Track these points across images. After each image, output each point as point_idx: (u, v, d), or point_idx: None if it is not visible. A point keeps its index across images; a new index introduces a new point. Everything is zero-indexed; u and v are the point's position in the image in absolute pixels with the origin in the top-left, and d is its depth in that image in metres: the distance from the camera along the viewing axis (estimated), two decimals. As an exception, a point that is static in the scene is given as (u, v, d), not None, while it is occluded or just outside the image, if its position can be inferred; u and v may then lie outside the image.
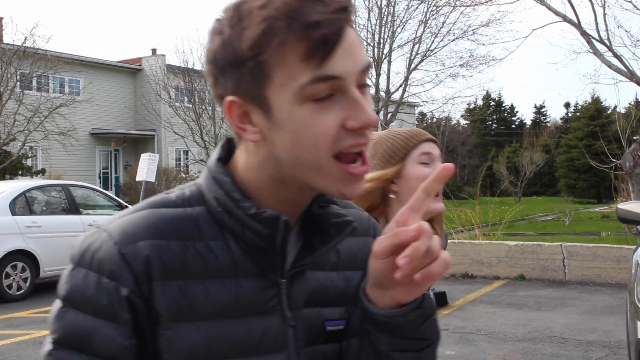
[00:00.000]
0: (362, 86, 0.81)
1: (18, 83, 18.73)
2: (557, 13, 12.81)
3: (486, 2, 17.36)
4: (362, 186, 0.84)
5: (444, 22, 22.29)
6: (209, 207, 0.88)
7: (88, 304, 0.83)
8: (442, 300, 2.12)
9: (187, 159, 25.41)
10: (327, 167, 0.81)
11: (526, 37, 14.56)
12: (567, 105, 59.29)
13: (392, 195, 1.66)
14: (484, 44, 31.05)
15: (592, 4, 12.56)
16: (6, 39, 19.54)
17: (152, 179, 16.02)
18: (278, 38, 0.76)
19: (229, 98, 0.83)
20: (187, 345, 0.83)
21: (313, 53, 0.76)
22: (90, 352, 0.83)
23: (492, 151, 50.00)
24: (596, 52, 12.43)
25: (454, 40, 22.64)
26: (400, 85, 22.85)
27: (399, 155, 1.69)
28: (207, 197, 0.88)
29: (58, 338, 0.85)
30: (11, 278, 8.62)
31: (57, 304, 0.87)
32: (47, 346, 0.86)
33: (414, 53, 22.57)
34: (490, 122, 61.33)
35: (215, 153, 0.92)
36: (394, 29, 22.37)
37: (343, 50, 0.77)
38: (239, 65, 0.80)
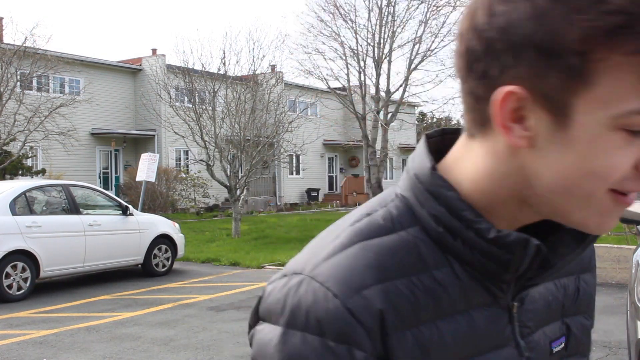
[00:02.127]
0: None
1: (18, 83, 18.72)
2: (557, 13, 12.82)
3: (486, 2, 17.35)
4: (615, 222, 0.69)
5: (444, 22, 22.26)
6: (425, 227, 0.71)
7: None
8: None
9: (187, 159, 25.37)
10: (599, 199, 0.65)
11: (526, 37, 14.54)
12: (567, 105, 59.28)
13: None
14: (484, 44, 31.04)
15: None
16: (6, 39, 19.53)
17: (152, 179, 16.04)
18: (631, 44, 0.57)
19: (511, 87, 0.63)
20: None
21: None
22: None
23: (492, 151, 49.92)
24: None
25: (454, 40, 22.60)
26: (401, 85, 22.85)
27: None
28: (419, 214, 0.71)
29: None
30: (11, 278, 8.63)
31: None
32: None
33: (414, 53, 22.56)
34: (491, 122, 61.34)
35: (423, 156, 0.73)
36: (394, 29, 22.35)
37: None
38: (555, 55, 0.60)
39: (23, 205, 9.04)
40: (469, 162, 0.70)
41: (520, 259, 0.68)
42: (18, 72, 18.44)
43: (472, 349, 0.71)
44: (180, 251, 11.39)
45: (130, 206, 10.77)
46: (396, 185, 0.75)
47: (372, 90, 23.19)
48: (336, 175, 35.14)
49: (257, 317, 0.71)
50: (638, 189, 0.65)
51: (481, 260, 0.69)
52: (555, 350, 0.79)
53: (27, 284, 8.82)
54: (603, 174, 0.63)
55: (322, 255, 0.69)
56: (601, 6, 0.57)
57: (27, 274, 8.81)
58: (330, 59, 23.33)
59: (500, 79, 0.63)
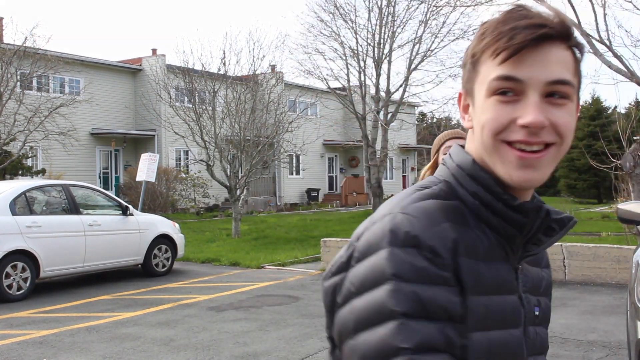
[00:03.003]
0: (551, 95, 0.95)
1: (18, 83, 18.70)
2: (557, 13, 12.78)
3: (486, 2, 17.33)
4: (529, 177, 0.95)
5: (444, 23, 22.28)
6: (463, 201, 1.00)
7: (421, 275, 0.89)
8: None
9: (187, 159, 25.36)
10: (498, 149, 0.96)
11: (526, 37, 14.50)
12: (567, 105, 59.26)
13: None
14: (484, 44, 31.05)
15: (592, 4, 12.55)
16: (6, 39, 19.49)
17: (152, 179, 16.03)
18: (485, 41, 0.97)
19: (460, 91, 1.05)
20: (478, 313, 0.94)
21: (498, 55, 0.95)
22: (432, 317, 0.89)
23: (492, 151, 49.95)
24: (596, 52, 12.42)
25: (454, 40, 22.64)
26: (401, 86, 22.84)
27: (435, 149, 2.92)
28: (460, 193, 1.01)
29: (404, 312, 0.88)
30: (11, 278, 8.62)
31: (383, 285, 0.89)
32: (392, 324, 0.88)
33: (414, 53, 22.55)
34: (491, 122, 61.33)
35: (463, 152, 1.04)
36: (394, 29, 22.35)
37: (534, 60, 0.94)
38: (466, 64, 1.02)
39: (23, 205, 9.04)
40: (470, 152, 1.04)
41: (533, 222, 0.99)
42: (18, 72, 18.42)
43: (499, 289, 0.98)
44: (180, 251, 11.39)
45: (130, 206, 10.76)
46: (431, 176, 1.07)
47: (372, 90, 23.17)
48: (336, 175, 35.12)
49: (348, 264, 0.95)
50: (518, 138, 0.94)
51: (504, 225, 0.99)
52: (536, 313, 1.08)
53: (27, 284, 8.81)
54: (487, 125, 0.96)
55: (406, 203, 0.96)
56: (481, 41, 0.98)
57: (27, 274, 8.81)
58: (330, 59, 23.34)
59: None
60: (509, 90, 0.95)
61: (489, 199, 0.98)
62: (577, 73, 0.98)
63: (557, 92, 0.95)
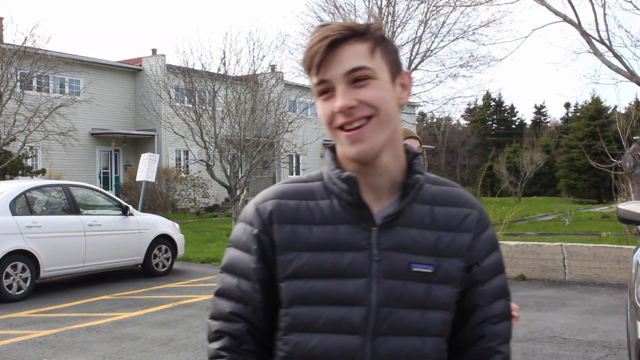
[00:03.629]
0: (356, 81, 1.19)
1: (18, 83, 18.69)
2: (557, 13, 12.80)
3: (486, 2, 17.33)
4: (359, 149, 1.19)
5: (444, 22, 22.25)
6: (324, 181, 1.29)
7: (238, 242, 1.31)
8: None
9: (187, 159, 25.34)
10: (334, 134, 1.22)
11: (526, 37, 14.51)
12: (567, 105, 59.30)
13: None
14: (484, 44, 31.08)
15: (592, 4, 12.55)
16: (6, 39, 19.46)
17: (152, 179, 16.03)
18: (308, 70, 1.24)
19: None
20: (292, 266, 1.22)
21: (308, 67, 1.23)
22: (235, 274, 1.30)
23: (492, 151, 49.98)
24: (596, 52, 12.42)
25: (454, 40, 22.60)
26: (401, 85, 22.79)
27: None
28: (324, 175, 1.31)
29: (223, 264, 1.34)
30: (11, 278, 8.61)
31: (227, 245, 1.34)
32: (220, 272, 1.35)
33: (414, 53, 22.53)
34: (491, 122, 61.30)
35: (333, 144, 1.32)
36: (394, 29, 22.33)
37: (332, 62, 1.19)
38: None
39: (23, 205, 9.03)
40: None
41: (350, 186, 1.23)
42: (18, 72, 18.40)
43: (333, 247, 1.22)
44: (180, 251, 11.39)
45: (130, 206, 10.75)
46: None
47: (372, 91, 23.12)
48: (336, 175, 35.08)
49: None
50: (340, 122, 1.19)
51: (344, 195, 1.24)
52: (415, 269, 1.22)
53: (27, 284, 8.80)
54: (322, 119, 1.23)
55: (264, 190, 1.33)
56: (304, 65, 1.23)
57: (27, 274, 8.80)
58: (330, 59, 23.25)
59: None
60: (326, 90, 1.21)
61: (331, 174, 1.27)
62: (383, 55, 1.23)
63: (358, 77, 1.18)
